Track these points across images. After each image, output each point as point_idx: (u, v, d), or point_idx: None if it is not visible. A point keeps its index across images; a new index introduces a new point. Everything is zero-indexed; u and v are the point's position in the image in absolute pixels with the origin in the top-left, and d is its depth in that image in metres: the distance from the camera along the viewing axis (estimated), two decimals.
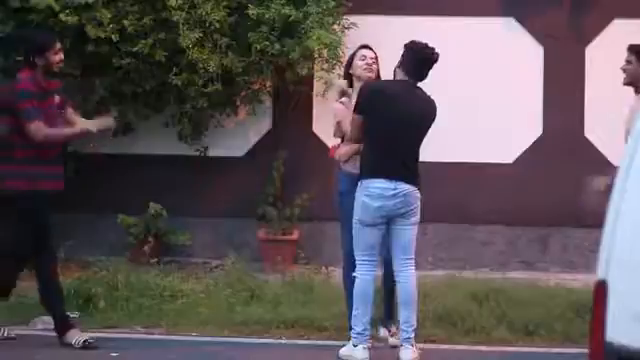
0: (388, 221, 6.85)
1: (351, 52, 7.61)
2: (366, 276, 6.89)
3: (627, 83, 7.41)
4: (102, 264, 9.06)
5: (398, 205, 6.79)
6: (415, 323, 6.88)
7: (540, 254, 10.38)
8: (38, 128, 7.13)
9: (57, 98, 7.50)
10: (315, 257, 10.20)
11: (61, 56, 7.39)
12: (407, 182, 6.79)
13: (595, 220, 4.79)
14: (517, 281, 9.11)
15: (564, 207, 10.17)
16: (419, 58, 6.90)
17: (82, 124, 7.52)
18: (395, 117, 6.78)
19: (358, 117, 6.87)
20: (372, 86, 7.07)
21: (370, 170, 6.83)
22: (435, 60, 6.92)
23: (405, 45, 6.98)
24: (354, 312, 6.91)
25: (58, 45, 7.41)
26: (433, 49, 6.91)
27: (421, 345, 7.12)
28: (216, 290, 8.47)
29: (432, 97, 6.98)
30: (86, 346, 7.25)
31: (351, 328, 6.96)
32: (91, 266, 9.25)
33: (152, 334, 7.89)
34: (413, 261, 6.94)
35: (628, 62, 7.38)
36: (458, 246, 10.44)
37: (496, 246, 10.35)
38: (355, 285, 6.92)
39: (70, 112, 7.60)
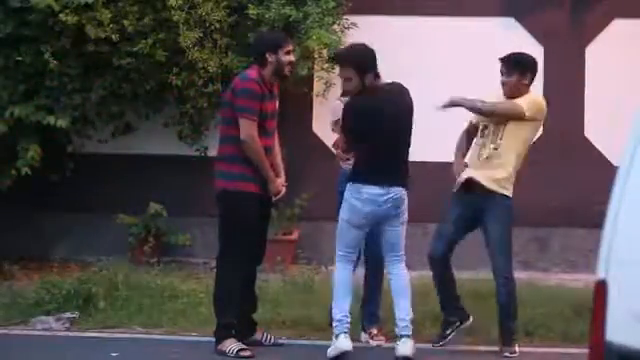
0: (376, 223, 6.96)
1: None
2: (345, 265, 7.00)
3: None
4: (102, 264, 9.06)
5: (389, 210, 6.90)
6: (412, 314, 6.95)
7: (540, 254, 10.37)
8: (249, 127, 6.93)
9: (277, 104, 7.25)
10: (315, 257, 10.20)
11: (292, 57, 7.17)
12: (398, 185, 6.89)
13: (594, 220, 4.79)
14: (517, 281, 9.09)
15: (564, 207, 10.17)
16: (374, 55, 6.94)
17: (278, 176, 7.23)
18: (377, 123, 6.82)
19: (347, 135, 7.00)
20: (351, 105, 6.99)
21: (361, 175, 6.90)
22: None
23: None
24: (333, 302, 6.99)
25: (290, 46, 7.19)
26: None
27: (421, 345, 7.13)
28: None
29: (405, 85, 7.00)
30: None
31: (331, 323, 7.01)
32: (91, 266, 9.25)
33: (152, 334, 7.90)
34: (404, 256, 7.07)
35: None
36: (458, 246, 10.41)
37: None
38: (334, 275, 7.04)
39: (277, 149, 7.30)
